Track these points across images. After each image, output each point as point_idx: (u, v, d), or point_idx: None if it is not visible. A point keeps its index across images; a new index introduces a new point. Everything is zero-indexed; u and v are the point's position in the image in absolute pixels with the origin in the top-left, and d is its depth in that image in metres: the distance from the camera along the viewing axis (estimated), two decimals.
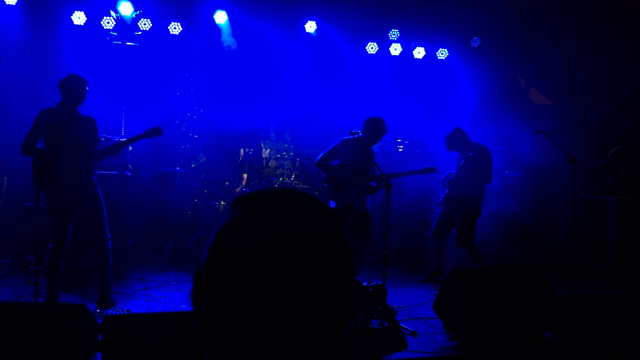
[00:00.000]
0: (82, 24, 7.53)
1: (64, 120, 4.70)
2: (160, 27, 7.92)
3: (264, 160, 8.79)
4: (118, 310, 4.81)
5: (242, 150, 8.05)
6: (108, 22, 7.64)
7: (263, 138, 8.92)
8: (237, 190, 7.75)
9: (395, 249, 7.24)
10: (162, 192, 7.63)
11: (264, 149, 8.84)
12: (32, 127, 4.67)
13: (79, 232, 5.17)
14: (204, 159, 8.16)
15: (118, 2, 7.60)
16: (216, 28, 8.15)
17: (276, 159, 8.99)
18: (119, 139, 6.89)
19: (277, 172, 8.63)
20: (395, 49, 8.85)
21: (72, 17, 7.46)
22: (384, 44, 8.83)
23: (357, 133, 5.43)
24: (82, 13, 7.50)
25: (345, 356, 0.83)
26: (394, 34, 8.81)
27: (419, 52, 8.94)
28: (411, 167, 5.75)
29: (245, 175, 8.01)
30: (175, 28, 7.95)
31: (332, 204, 5.53)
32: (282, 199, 0.83)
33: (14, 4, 7.22)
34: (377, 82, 8.93)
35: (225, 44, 7.95)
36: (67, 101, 4.75)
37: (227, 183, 7.86)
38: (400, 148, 7.96)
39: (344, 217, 5.37)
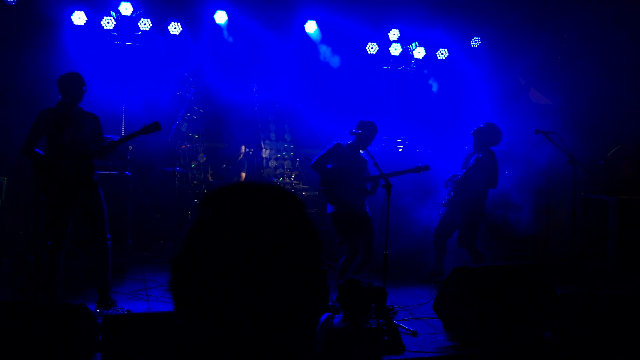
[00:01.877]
0: (82, 24, 7.53)
1: (62, 120, 4.70)
2: (160, 27, 7.92)
3: (264, 160, 8.79)
4: (118, 310, 4.81)
5: (243, 148, 8.03)
6: (108, 22, 7.64)
7: (263, 138, 8.92)
8: None
9: (395, 249, 7.22)
10: (162, 192, 7.62)
11: (264, 149, 8.84)
12: (31, 128, 4.68)
13: (79, 232, 5.17)
14: (204, 159, 8.16)
15: (118, 2, 7.60)
16: (216, 28, 8.16)
17: (276, 159, 8.99)
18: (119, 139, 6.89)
19: (277, 172, 8.63)
20: (395, 49, 8.85)
21: (72, 17, 7.46)
22: (384, 44, 8.83)
23: (358, 133, 5.43)
24: (82, 13, 7.50)
25: (313, 337, 0.87)
26: (394, 34, 8.81)
27: (419, 52, 8.94)
28: (411, 167, 5.72)
29: (243, 175, 8.00)
30: (175, 28, 7.95)
31: (331, 208, 5.50)
32: (246, 192, 0.88)
33: (13, 3, 7.22)
34: (377, 82, 8.93)
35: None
36: (65, 100, 4.75)
37: (229, 183, 7.86)
38: (400, 148, 7.96)
39: (344, 222, 5.32)
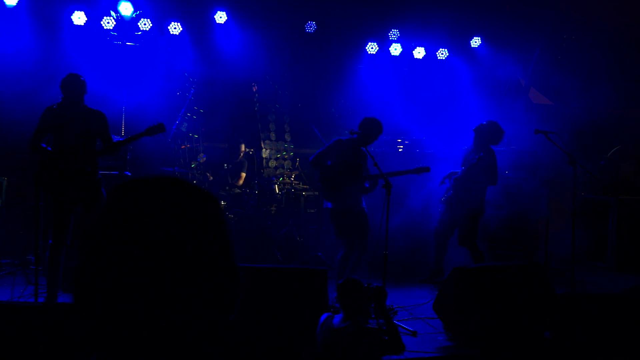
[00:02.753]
0: (82, 24, 7.53)
1: (68, 118, 4.72)
2: (160, 27, 7.92)
3: (264, 160, 8.79)
4: None
5: (242, 146, 8.01)
6: (108, 22, 7.64)
7: (263, 138, 8.92)
8: (236, 189, 7.74)
9: (395, 249, 7.22)
10: None
11: (264, 149, 8.84)
12: (38, 124, 4.72)
13: (79, 233, 5.16)
14: (204, 159, 8.16)
15: (118, 2, 7.60)
16: (216, 28, 8.16)
17: (276, 159, 8.99)
18: (119, 139, 6.88)
19: (277, 172, 8.63)
20: (395, 49, 8.85)
21: (72, 17, 7.46)
22: (384, 44, 8.82)
23: (357, 133, 5.42)
24: (82, 13, 7.50)
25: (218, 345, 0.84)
26: (394, 34, 8.81)
27: (419, 52, 8.94)
28: (411, 167, 5.72)
29: (243, 175, 8.00)
30: (175, 28, 7.95)
31: (328, 205, 5.50)
32: (150, 186, 0.84)
33: (14, 4, 7.22)
34: (377, 82, 8.92)
35: None
36: (68, 100, 4.77)
37: (229, 183, 7.85)
38: (400, 148, 7.96)
39: (341, 219, 5.31)
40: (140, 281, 0.77)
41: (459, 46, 8.96)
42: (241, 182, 7.91)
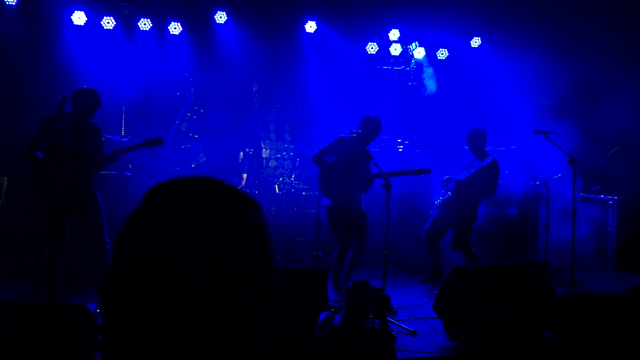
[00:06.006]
0: (82, 24, 7.53)
1: (68, 128, 4.69)
2: (160, 27, 7.92)
3: (264, 160, 8.79)
4: None
5: (241, 153, 8.04)
6: (108, 22, 7.64)
7: (263, 138, 8.92)
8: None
9: (395, 249, 7.23)
10: None
11: (264, 149, 8.84)
12: (37, 130, 4.68)
13: (78, 232, 5.17)
14: (204, 159, 8.16)
15: (118, 2, 7.61)
16: (216, 28, 8.16)
17: (276, 159, 8.99)
18: (119, 139, 6.89)
19: (277, 172, 8.63)
20: (395, 49, 8.85)
21: (72, 17, 7.47)
22: (384, 44, 8.83)
23: (358, 133, 5.42)
24: (82, 13, 7.51)
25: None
26: (394, 34, 8.81)
27: (419, 52, 8.94)
28: (411, 167, 5.72)
29: (244, 176, 8.01)
30: (175, 28, 7.96)
31: (326, 201, 5.50)
32: (187, 187, 0.79)
33: (13, 3, 7.22)
34: (377, 82, 8.93)
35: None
36: (77, 111, 4.75)
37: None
38: (400, 148, 7.96)
39: (338, 217, 5.29)
40: (174, 291, 0.72)
41: (459, 46, 8.96)
42: (243, 182, 7.93)
